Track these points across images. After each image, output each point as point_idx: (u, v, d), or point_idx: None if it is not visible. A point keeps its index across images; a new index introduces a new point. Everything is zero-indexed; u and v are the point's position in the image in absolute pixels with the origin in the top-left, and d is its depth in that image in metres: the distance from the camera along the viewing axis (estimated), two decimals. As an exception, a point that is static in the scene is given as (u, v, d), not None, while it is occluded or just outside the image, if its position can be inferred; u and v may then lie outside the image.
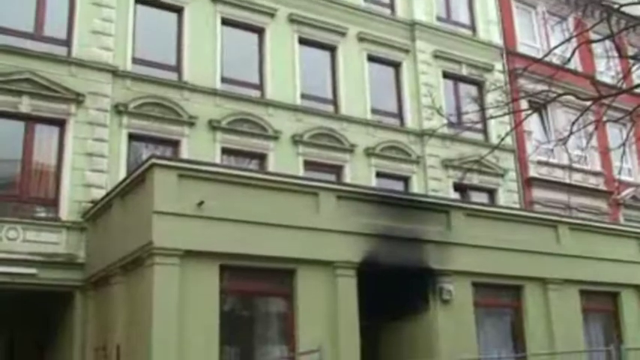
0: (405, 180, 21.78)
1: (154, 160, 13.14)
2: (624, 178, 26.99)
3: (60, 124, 16.90)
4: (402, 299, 15.65)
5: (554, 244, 17.66)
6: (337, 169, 20.54)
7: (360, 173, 20.53)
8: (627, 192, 27.56)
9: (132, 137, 17.72)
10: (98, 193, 16.21)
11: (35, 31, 17.27)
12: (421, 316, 15.43)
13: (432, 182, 21.84)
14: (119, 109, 17.49)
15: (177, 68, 19.01)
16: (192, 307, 12.52)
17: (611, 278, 18.29)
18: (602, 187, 26.79)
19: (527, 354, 16.31)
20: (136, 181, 13.76)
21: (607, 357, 14.39)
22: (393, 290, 15.48)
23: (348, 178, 20.21)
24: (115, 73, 17.69)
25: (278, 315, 14.25)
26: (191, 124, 18.35)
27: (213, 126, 18.66)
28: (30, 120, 16.62)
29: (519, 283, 16.80)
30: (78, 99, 16.90)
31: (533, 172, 24.66)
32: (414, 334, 15.42)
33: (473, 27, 25.56)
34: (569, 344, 16.07)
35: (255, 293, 14.09)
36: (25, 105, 16.41)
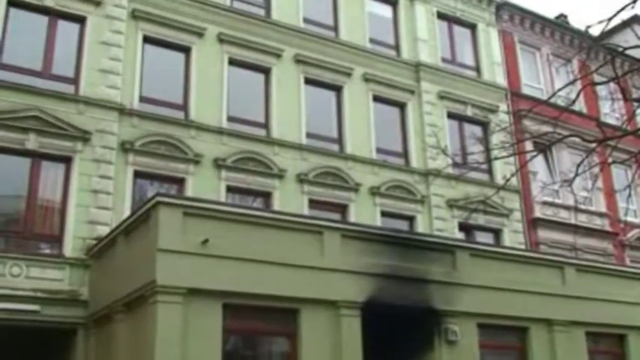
0: (410, 219, 21.74)
1: (158, 198, 13.15)
2: (630, 219, 26.94)
3: (66, 161, 16.98)
4: (407, 339, 15.48)
5: (560, 285, 17.54)
6: (342, 208, 20.52)
7: (364, 212, 20.51)
8: (633, 233, 27.44)
9: (137, 175, 17.77)
10: (102, 230, 16.20)
11: (43, 69, 17.45)
12: (426, 357, 15.27)
13: (437, 222, 21.79)
14: (125, 147, 17.57)
15: (184, 107, 19.14)
16: (194, 345, 12.42)
17: (618, 320, 18.13)
18: (608, 228, 26.69)
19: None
20: (141, 218, 13.75)
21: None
22: (398, 330, 15.33)
23: (352, 217, 20.19)
24: (122, 111, 17.82)
25: (281, 354, 14.14)
26: (196, 162, 18.41)
27: (219, 164, 18.72)
28: (36, 157, 16.69)
29: (525, 324, 16.65)
30: (84, 136, 17.00)
31: (538, 212, 24.59)
32: (419, 376, 15.25)
33: (477, 68, 25.75)
34: (575, 387, 15.88)
35: (258, 332, 13.99)
36: (32, 142, 16.50)
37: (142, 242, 13.54)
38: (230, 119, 19.58)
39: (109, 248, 15.30)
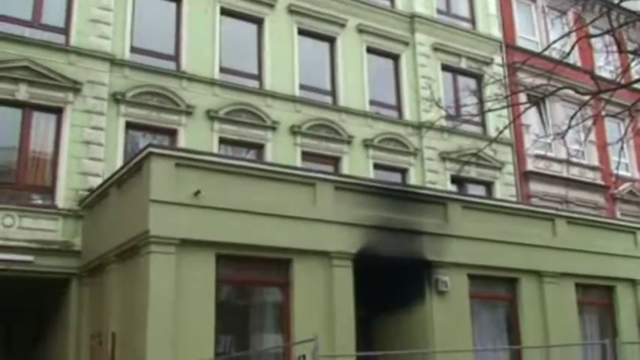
0: (403, 172, 21.79)
1: (150, 149, 13.12)
2: (622, 172, 27.01)
3: (57, 112, 16.87)
4: (398, 290, 15.68)
5: (551, 237, 17.69)
6: (335, 161, 20.54)
7: (357, 165, 20.53)
8: (624, 187, 27.59)
9: (129, 126, 17.69)
10: (95, 182, 16.19)
11: (33, 19, 17.21)
12: (417, 307, 15.46)
13: (430, 174, 21.85)
14: (117, 98, 17.46)
15: (176, 58, 18.96)
16: (188, 295, 12.52)
17: (607, 272, 18.35)
18: (600, 181, 26.82)
19: (521, 346, 16.35)
20: (133, 169, 13.74)
21: (602, 351, 14.43)
22: (390, 281, 15.53)
23: (345, 169, 20.22)
24: (113, 61, 17.65)
25: (274, 304, 14.27)
26: (189, 114, 18.33)
27: (211, 116, 18.64)
28: (27, 107, 16.58)
29: (515, 275, 16.84)
30: (75, 87, 16.86)
31: (530, 165, 24.67)
32: (410, 324, 15.46)
33: (472, 20, 25.53)
34: (564, 337, 16.13)
35: (251, 283, 14.11)
36: (23, 93, 16.37)
37: (134, 193, 13.56)
38: (222, 70, 19.43)
39: (101, 199, 15.32)
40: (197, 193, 12.93)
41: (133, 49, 18.30)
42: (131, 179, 13.88)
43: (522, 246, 16.79)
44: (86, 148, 16.76)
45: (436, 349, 14.64)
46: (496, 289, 17.04)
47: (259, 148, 19.39)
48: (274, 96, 19.89)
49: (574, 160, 24.46)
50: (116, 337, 13.59)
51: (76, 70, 17.01)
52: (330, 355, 12.74)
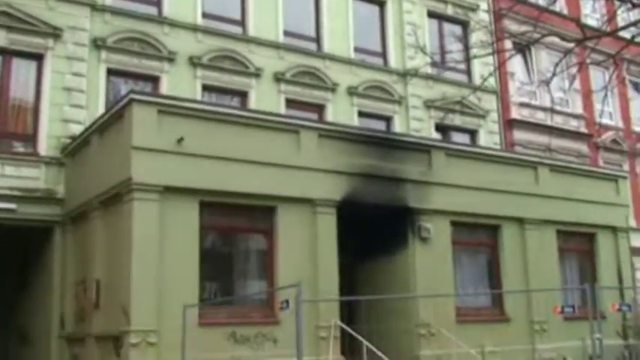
0: (387, 120, 21.74)
1: (132, 96, 13.00)
2: (605, 121, 27.10)
3: (37, 58, 16.60)
4: (382, 237, 15.81)
5: (534, 185, 17.82)
6: (319, 108, 20.42)
7: (342, 112, 20.44)
8: (607, 135, 27.72)
9: (111, 72, 17.45)
10: (77, 129, 16.04)
11: (11, -37, 16.80)
12: (400, 253, 15.62)
13: (414, 122, 21.81)
14: (97, 44, 17.18)
15: (157, 3, 18.60)
16: (172, 242, 12.57)
17: (588, 219, 18.58)
18: (583, 130, 26.91)
19: (502, 291, 16.61)
20: (115, 116, 13.62)
21: (581, 295, 14.68)
22: (373, 228, 15.64)
23: (330, 117, 20.12)
24: (94, 6, 17.31)
25: (258, 251, 14.37)
26: (171, 60, 18.10)
27: (194, 62, 18.41)
28: (7, 54, 16.30)
29: (497, 222, 17.01)
30: (55, 33, 16.56)
31: (515, 113, 24.67)
32: (392, 270, 15.64)
33: (458, -34, 25.18)
34: (544, 282, 16.39)
35: (235, 230, 14.16)
36: (2, 38, 16.07)
37: (116, 140, 13.46)
38: (205, 16, 19.12)
39: (83, 147, 15.21)
40: (180, 140, 12.86)
41: (114, -6, 17.96)
42: (113, 126, 13.76)
43: (505, 193, 16.92)
44: (67, 95, 16.55)
45: (418, 294, 14.85)
46: (478, 236, 17.22)
47: (243, 95, 19.23)
48: (258, 42, 19.64)
49: (558, 108, 24.49)
50: (100, 284, 13.66)
51: (56, 15, 16.67)
52: (313, 300, 12.87)
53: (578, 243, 19.13)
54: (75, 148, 15.67)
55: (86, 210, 14.53)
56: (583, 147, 26.64)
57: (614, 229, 19.38)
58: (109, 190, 13.44)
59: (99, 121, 14.44)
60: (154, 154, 12.66)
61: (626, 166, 27.60)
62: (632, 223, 25.17)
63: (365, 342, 13.13)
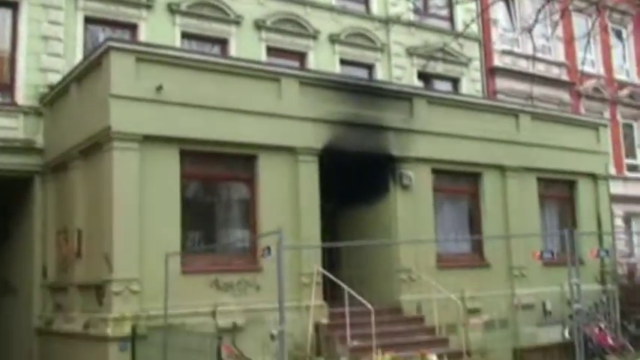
0: (370, 67, 21.58)
1: (110, 43, 12.80)
2: (587, 69, 27.10)
3: (13, 6, 16.24)
4: (363, 185, 15.86)
5: (515, 132, 17.87)
6: (301, 56, 20.20)
7: (323, 60, 20.24)
8: (589, 83, 27.73)
9: (88, 20, 17.11)
10: (54, 78, 15.79)
11: None
12: (381, 201, 15.71)
13: (396, 70, 21.68)
14: (73, -9, 16.84)
15: (135, -52, 18.19)
16: (152, 191, 12.55)
17: (569, 167, 18.72)
18: (565, 77, 26.90)
19: (482, 236, 16.79)
20: (93, 65, 13.42)
21: (561, 242, 14.86)
22: (355, 176, 15.66)
23: (311, 64, 19.92)
24: (68, -48, 16.91)
25: (240, 200, 14.37)
26: (149, 7, 17.75)
27: (173, 9, 18.08)
28: (-20, 2, 15.98)
29: (478, 170, 17.09)
30: (30, -21, 16.21)
31: (497, 61, 24.57)
32: (374, 217, 15.75)
33: None
34: (524, 229, 16.55)
35: (216, 178, 14.13)
36: (-25, -13, 15.74)
37: (94, 89, 13.29)
38: (183, -39, 18.73)
39: (61, 96, 15.02)
40: (159, 88, 12.72)
41: (89, -62, 17.49)
42: (91, 75, 13.57)
43: (486, 141, 16.96)
44: (44, 43, 16.25)
45: (399, 240, 14.98)
46: (459, 184, 17.33)
47: (223, 43, 18.97)
48: (238, -12, 19.32)
49: (540, 56, 24.42)
50: (82, 233, 13.65)
51: (29, -39, 16.29)
52: (295, 247, 12.94)
53: (559, 190, 19.29)
54: (53, 98, 15.47)
55: (66, 160, 14.43)
56: (565, 95, 26.66)
57: (594, 177, 19.55)
58: (88, 139, 13.33)
59: (77, 70, 14.24)
60: (132, 103, 12.53)
61: (607, 114, 27.69)
62: (612, 171, 25.38)
63: (346, 288, 13.29)
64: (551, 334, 16.97)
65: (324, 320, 13.62)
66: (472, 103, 17.82)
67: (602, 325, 16.79)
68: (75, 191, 13.96)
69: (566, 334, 16.40)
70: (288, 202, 14.01)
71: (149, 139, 12.59)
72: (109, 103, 12.40)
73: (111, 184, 12.33)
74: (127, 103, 12.48)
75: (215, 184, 14.28)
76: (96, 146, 13.08)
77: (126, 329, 11.82)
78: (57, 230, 14.93)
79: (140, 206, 12.35)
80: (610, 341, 16.35)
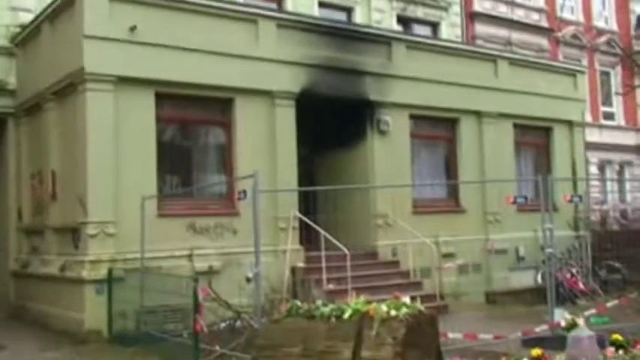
0: (348, 11, 21.29)
1: (83, -18, 12.48)
2: (566, 15, 27.06)
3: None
4: (341, 130, 15.82)
5: (493, 78, 17.84)
6: (278, -3, 19.90)
7: (302, 2, 19.90)
8: (568, 30, 27.68)
9: (60, -42, 16.66)
10: (26, 18, 15.41)
11: None
12: (359, 146, 15.71)
13: (376, 14, 21.42)
14: None
15: None
16: (128, 134, 12.41)
17: (546, 113, 18.77)
18: (544, 24, 26.80)
19: (458, 181, 16.90)
20: (65, 4, 13.10)
21: (535, 187, 15.00)
22: (332, 121, 15.60)
23: (289, 6, 19.61)
24: None
25: (216, 144, 14.28)
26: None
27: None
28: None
29: (456, 115, 17.10)
30: None
31: (477, 6, 24.42)
32: (351, 162, 15.78)
33: None
34: (500, 175, 16.66)
35: (192, 122, 14.00)
36: None
37: (67, 29, 13.02)
38: None
39: (34, 36, 14.69)
40: (133, 28, 12.48)
41: None
42: (64, 14, 13.27)
43: (464, 87, 16.93)
44: (15, -19, 15.85)
45: (376, 185, 15.04)
46: (437, 129, 17.35)
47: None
48: None
49: (520, 1, 24.30)
50: (56, 176, 13.54)
51: None
52: (271, 191, 12.94)
53: (535, 137, 19.40)
54: (25, 38, 15.14)
55: (39, 101, 14.21)
56: (543, 41, 26.62)
57: (570, 124, 19.64)
58: (62, 80, 13.12)
59: (49, 9, 13.88)
60: (106, 43, 12.29)
61: (585, 62, 27.75)
62: (588, 118, 25.53)
63: (323, 232, 13.38)
64: (524, 279, 17.29)
65: (301, 264, 13.73)
66: (451, 48, 17.71)
67: (574, 271, 17.09)
68: (49, 133, 13.79)
69: (539, 279, 16.68)
70: (265, 146, 13.95)
71: (124, 81, 12.40)
72: (83, 43, 12.16)
73: (85, 126, 12.18)
74: (100, 43, 12.25)
75: (191, 128, 14.16)
76: (70, 87, 12.88)
77: (102, 272, 11.84)
78: (31, 173, 14.80)
79: (115, 149, 12.23)
80: (581, 286, 16.67)
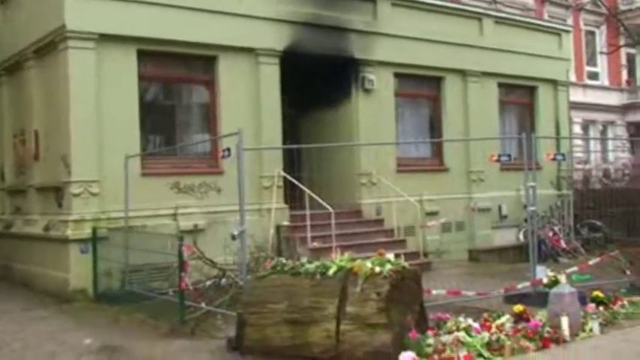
0: (333, -32, 21.02)
1: (62, -64, 12.23)
2: (552, -26, 26.94)
3: None
4: (325, 88, 15.75)
5: (478, 37, 17.75)
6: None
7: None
8: (554, -12, 27.58)
9: None
10: (5, -27, 15.17)
11: None
12: (343, 104, 15.67)
13: (360, -29, 21.15)
14: None
15: None
16: (110, 92, 12.28)
17: (530, 72, 18.76)
18: (531, -18, 26.68)
19: (442, 139, 16.94)
20: (46, -40, 12.87)
21: (518, 144, 15.06)
22: (317, 79, 15.53)
23: (273, -36, 19.35)
24: None
25: (200, 102, 14.18)
26: None
27: None
28: None
29: (440, 74, 17.05)
30: None
31: (464, -35, 24.20)
32: (336, 121, 15.75)
33: None
34: (484, 134, 16.70)
35: (176, 80, 13.86)
36: None
37: (47, -15, 12.80)
38: None
39: (13, -8, 14.47)
40: (114, -17, 12.29)
41: None
42: (43, -30, 13.04)
43: (449, 45, 16.86)
44: (-8, -64, 15.50)
45: (360, 143, 15.05)
46: (421, 88, 17.30)
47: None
48: None
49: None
50: (39, 135, 13.43)
51: None
52: (255, 148, 12.91)
53: (519, 96, 19.41)
54: (4, -6, 14.90)
55: (20, 60, 14.01)
56: (529, 0, 26.51)
57: (554, 83, 19.64)
58: (43, 38, 12.93)
59: (28, -35, 13.65)
60: (88, 0, 12.08)
61: (570, 21, 27.71)
62: (572, 77, 25.59)
63: (307, 191, 13.41)
64: (507, 237, 17.48)
65: (285, 222, 13.78)
66: (436, 6, 17.51)
67: (556, 229, 17.29)
68: (31, 92, 13.63)
69: (521, 237, 16.88)
70: (249, 105, 13.87)
71: (105, 38, 12.22)
72: (64, 0, 11.95)
73: (67, 85, 12.04)
74: (82, 0, 12.04)
75: (175, 86, 14.03)
76: (51, 46, 12.70)
77: (86, 231, 11.82)
78: (13, 132, 14.67)
79: (98, 107, 12.12)
80: (563, 244, 16.89)
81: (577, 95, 26.86)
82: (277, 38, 14.20)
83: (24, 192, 14.14)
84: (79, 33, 12.02)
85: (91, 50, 12.13)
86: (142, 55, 12.78)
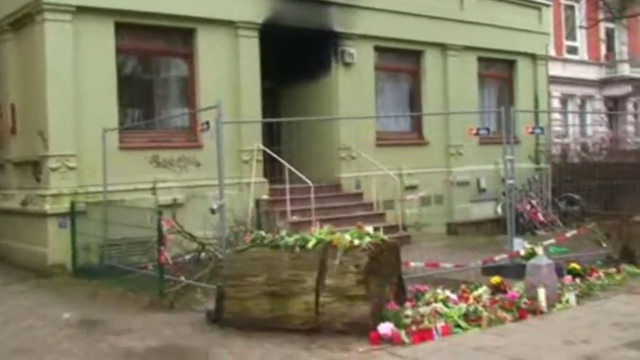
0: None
1: None
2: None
3: None
4: (305, 61, 15.69)
5: (458, 11, 17.71)
6: None
7: None
8: (534, -38, 27.46)
9: None
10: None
11: None
12: (323, 78, 15.62)
13: (341, -56, 21.00)
14: None
15: None
16: (87, 65, 12.17)
17: (510, 46, 18.80)
18: (511, -45, 26.54)
19: (421, 113, 16.96)
20: None
21: (497, 118, 15.13)
22: (297, 53, 15.44)
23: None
24: None
25: (179, 76, 14.08)
26: None
27: None
28: None
29: (420, 48, 17.03)
30: None
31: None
32: (315, 95, 15.70)
33: None
34: (463, 108, 16.75)
35: (154, 53, 13.73)
36: None
37: (22, -44, 12.58)
38: None
39: (-13, -37, 14.18)
40: (91, -45, 12.11)
41: None
42: (18, -59, 12.81)
43: (429, 18, 16.82)
44: None
45: (339, 117, 15.05)
46: (401, 62, 17.28)
47: None
48: None
49: None
50: (16, 109, 13.29)
51: None
52: (234, 122, 12.86)
53: (498, 70, 19.47)
54: (-22, -35, 14.61)
55: (-5, 32, 13.84)
56: (509, -26, 26.43)
57: (533, 57, 19.70)
58: (19, 10, 12.75)
59: None
60: (64, -29, 11.94)
61: (549, -5, 27.69)
62: (552, 52, 25.66)
63: (287, 164, 13.40)
64: (485, 210, 17.63)
65: (265, 196, 13.77)
66: (417, -21, 17.50)
67: (534, 202, 17.46)
68: (7, 65, 13.46)
69: (499, 210, 17.03)
70: (228, 78, 13.79)
71: (82, 10, 12.07)
72: (39, -30, 11.81)
73: (44, 58, 11.90)
74: (57, -30, 11.90)
75: (153, 59, 13.89)
76: (27, 18, 12.53)
77: (64, 205, 11.75)
78: (-11, 106, 14.50)
79: (75, 81, 12.00)
80: (540, 217, 17.06)
81: (556, 69, 26.94)
82: (257, 11, 14.11)
83: (1, 166, 14.00)
84: (55, 5, 11.87)
85: (68, 23, 11.98)
86: (119, 27, 12.64)
